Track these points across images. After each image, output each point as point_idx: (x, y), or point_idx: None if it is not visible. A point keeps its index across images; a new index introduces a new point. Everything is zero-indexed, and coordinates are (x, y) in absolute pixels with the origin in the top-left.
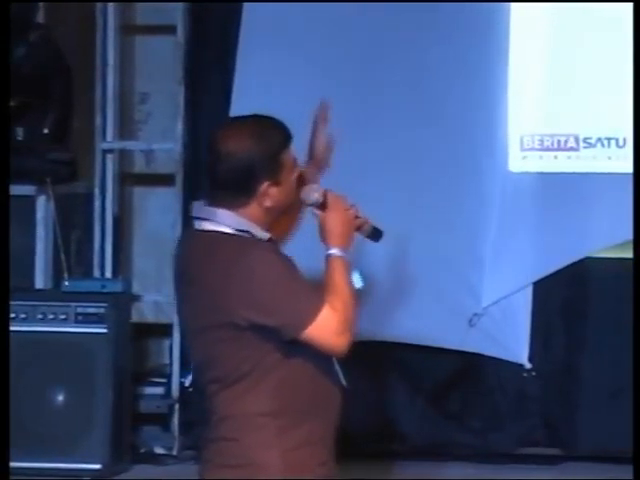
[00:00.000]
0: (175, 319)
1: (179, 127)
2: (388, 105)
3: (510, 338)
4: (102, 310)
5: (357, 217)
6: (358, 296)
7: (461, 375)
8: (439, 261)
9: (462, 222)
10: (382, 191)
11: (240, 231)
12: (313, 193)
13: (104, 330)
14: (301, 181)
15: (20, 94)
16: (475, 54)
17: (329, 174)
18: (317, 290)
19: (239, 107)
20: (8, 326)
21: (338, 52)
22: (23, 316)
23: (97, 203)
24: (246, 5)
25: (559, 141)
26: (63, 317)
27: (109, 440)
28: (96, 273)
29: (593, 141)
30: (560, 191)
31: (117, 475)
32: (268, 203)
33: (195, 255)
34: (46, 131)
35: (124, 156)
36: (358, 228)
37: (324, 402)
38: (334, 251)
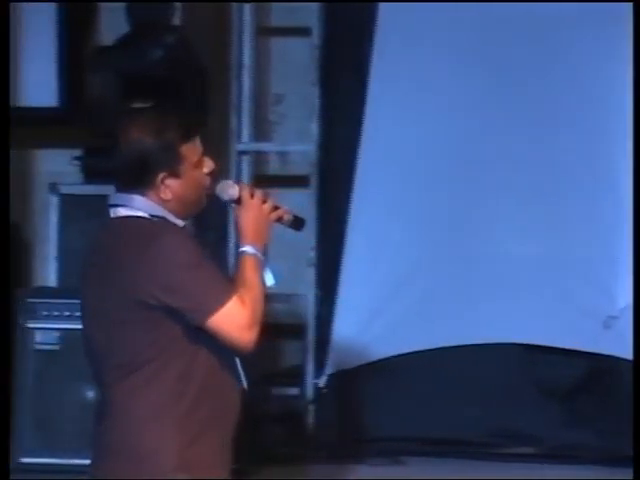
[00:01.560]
0: (310, 320)
1: (314, 128)
2: (526, 107)
3: None
4: None
5: (276, 208)
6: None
7: (593, 377)
8: (571, 261)
9: (596, 222)
10: (517, 189)
11: (154, 216)
12: (227, 189)
13: None
14: (214, 176)
15: (157, 96)
16: (613, 59)
17: (473, 166)
18: (228, 282)
19: (374, 108)
20: (9, 325)
21: (476, 54)
22: None
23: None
24: (382, 5)
25: None
26: None
27: (242, 440)
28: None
29: None
30: None
31: (250, 475)
32: (166, 195)
33: (108, 240)
34: None
35: (259, 157)
36: (278, 219)
37: (225, 400)
38: (246, 248)
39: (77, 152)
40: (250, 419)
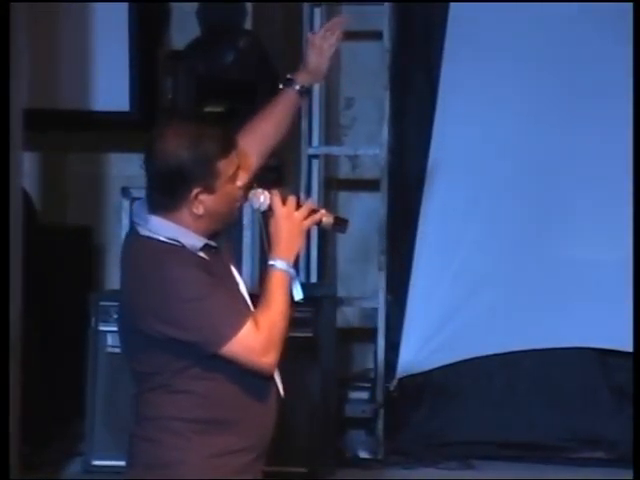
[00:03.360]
0: (380, 324)
1: (384, 132)
2: (599, 107)
3: None
4: (308, 314)
5: (314, 212)
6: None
7: None
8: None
9: None
10: (589, 192)
11: (170, 239)
12: (258, 198)
13: (310, 334)
14: (249, 188)
15: (228, 100)
16: None
17: (545, 169)
18: (241, 305)
19: (444, 111)
20: (8, 325)
21: (545, 54)
22: None
23: None
24: (452, 5)
25: None
26: None
27: (315, 443)
28: (302, 277)
29: None
30: None
31: (322, 478)
32: (199, 211)
33: (126, 259)
34: None
35: (330, 161)
36: (318, 224)
37: (251, 414)
38: (275, 263)
39: None
40: (322, 422)
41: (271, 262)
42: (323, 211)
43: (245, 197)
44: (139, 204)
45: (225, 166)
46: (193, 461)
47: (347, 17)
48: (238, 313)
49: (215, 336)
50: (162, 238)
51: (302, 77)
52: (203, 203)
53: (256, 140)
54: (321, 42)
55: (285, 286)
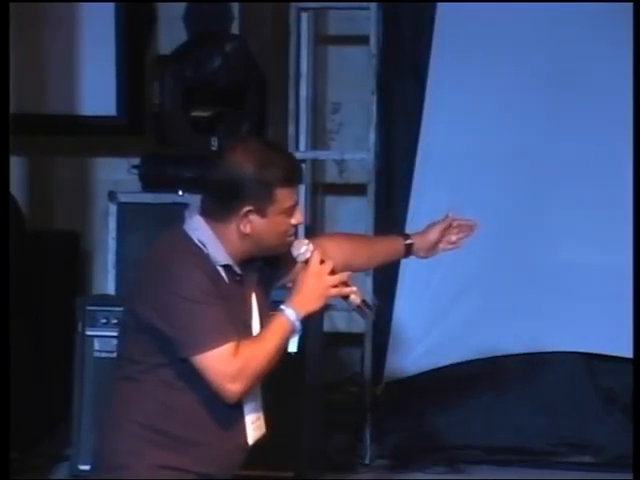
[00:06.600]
0: (367, 328)
1: (372, 137)
2: (587, 112)
3: None
4: None
5: (345, 284)
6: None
7: None
8: (632, 269)
9: None
10: (577, 196)
11: (200, 242)
12: (300, 247)
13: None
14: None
15: (216, 105)
16: None
17: (533, 172)
18: (232, 330)
19: (431, 114)
20: (8, 327)
21: (534, 56)
22: None
23: None
24: (439, 6)
25: None
26: None
27: (301, 447)
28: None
29: None
30: None
31: None
32: (246, 229)
33: (156, 243)
34: None
35: (316, 165)
36: (344, 298)
37: (211, 441)
38: (286, 309)
39: (135, 161)
40: (308, 426)
41: (283, 307)
42: (354, 289)
43: (293, 239)
44: (193, 206)
45: (283, 196)
46: (138, 469)
47: (477, 223)
48: (223, 332)
49: (192, 341)
50: (193, 238)
51: (416, 239)
52: (251, 223)
53: (345, 255)
54: (448, 231)
55: (284, 333)
